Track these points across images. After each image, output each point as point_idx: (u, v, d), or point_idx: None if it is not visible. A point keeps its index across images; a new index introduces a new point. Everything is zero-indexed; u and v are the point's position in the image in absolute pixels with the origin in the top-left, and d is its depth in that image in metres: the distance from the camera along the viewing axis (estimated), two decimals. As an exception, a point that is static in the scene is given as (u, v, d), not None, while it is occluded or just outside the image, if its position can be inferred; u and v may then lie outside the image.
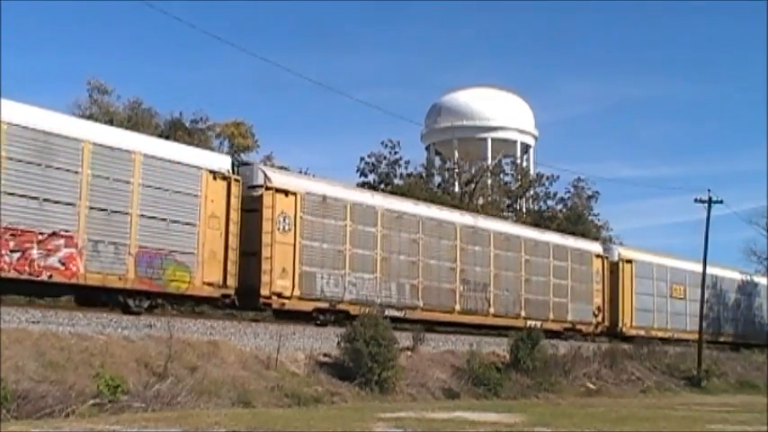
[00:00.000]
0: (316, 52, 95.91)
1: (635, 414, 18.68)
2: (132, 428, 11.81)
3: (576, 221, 46.50)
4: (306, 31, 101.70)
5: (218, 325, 19.84)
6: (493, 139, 58.96)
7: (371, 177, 45.41)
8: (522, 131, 60.55)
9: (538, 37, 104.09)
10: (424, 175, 48.29)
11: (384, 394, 19.97)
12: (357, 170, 45.64)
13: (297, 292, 21.98)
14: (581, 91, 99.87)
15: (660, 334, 35.37)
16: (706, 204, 35.61)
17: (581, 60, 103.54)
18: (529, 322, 28.04)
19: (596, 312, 32.59)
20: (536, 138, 61.98)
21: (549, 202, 50.35)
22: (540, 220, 45.54)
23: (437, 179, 49.93)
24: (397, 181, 44.83)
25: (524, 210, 49.43)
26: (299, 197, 22.30)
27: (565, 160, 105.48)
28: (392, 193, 35.22)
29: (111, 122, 30.52)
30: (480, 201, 45.72)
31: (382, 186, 42.78)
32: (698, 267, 36.79)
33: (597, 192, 50.70)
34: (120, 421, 12.61)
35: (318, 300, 22.63)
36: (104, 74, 66.25)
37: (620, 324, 33.93)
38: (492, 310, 28.00)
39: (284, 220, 21.89)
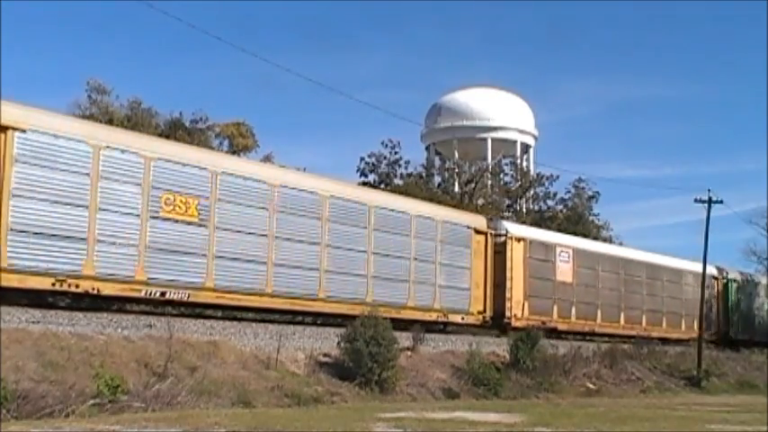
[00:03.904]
0: (316, 53, 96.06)
1: (635, 414, 18.66)
2: (132, 428, 11.80)
3: (576, 222, 46.58)
4: (306, 31, 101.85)
5: (218, 325, 19.83)
6: (493, 139, 59.03)
7: (372, 177, 45.50)
8: (522, 131, 60.59)
9: (538, 37, 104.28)
10: (423, 175, 48.35)
11: (384, 394, 19.96)
12: (357, 170, 45.82)
13: None
14: (581, 91, 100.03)
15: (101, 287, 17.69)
16: (706, 204, 35.63)
17: (581, 60, 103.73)
18: None
19: None
20: (536, 138, 62.05)
21: (550, 203, 50.50)
22: (540, 220, 45.59)
23: (437, 179, 50.01)
24: (397, 181, 44.91)
25: (524, 210, 49.47)
26: None
27: (565, 160, 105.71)
28: (392, 192, 35.09)
29: (110, 122, 30.57)
30: (480, 201, 45.75)
31: (382, 186, 42.83)
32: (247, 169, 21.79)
33: (598, 192, 50.88)
34: (120, 421, 12.59)
35: None
36: (104, 74, 66.47)
37: None
38: None
39: None
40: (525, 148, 60.69)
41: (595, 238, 42.72)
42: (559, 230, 38.02)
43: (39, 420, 12.62)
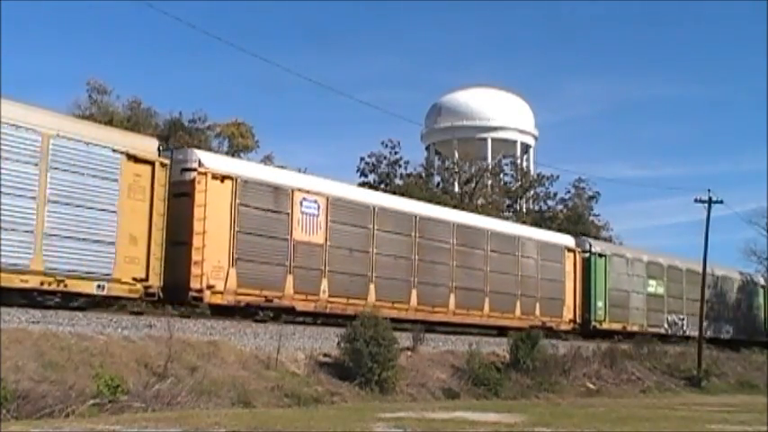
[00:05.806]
0: (316, 53, 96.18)
1: (635, 414, 18.67)
2: (132, 428, 11.81)
3: (576, 222, 46.54)
4: (306, 32, 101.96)
5: (218, 325, 19.80)
6: (493, 139, 59.08)
7: (372, 177, 45.51)
8: (522, 131, 60.64)
9: (538, 37, 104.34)
10: (423, 175, 48.37)
11: (384, 394, 19.96)
12: (357, 170, 45.83)
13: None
14: (582, 91, 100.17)
15: None
16: (706, 205, 35.63)
17: (581, 60, 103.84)
18: None
19: None
20: (536, 138, 62.11)
21: (550, 203, 50.55)
22: (540, 220, 45.59)
23: (437, 179, 50.04)
24: (397, 181, 44.90)
25: (524, 210, 49.50)
26: None
27: (565, 161, 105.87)
28: (393, 193, 35.02)
29: (110, 122, 30.56)
30: (480, 201, 45.76)
31: (382, 186, 42.84)
32: None
33: (598, 192, 50.95)
34: (120, 421, 12.60)
35: None
36: (104, 74, 66.49)
37: None
38: None
39: None
40: (525, 148, 60.73)
41: (595, 238, 42.51)
42: (560, 230, 37.64)
43: (39, 420, 12.62)
